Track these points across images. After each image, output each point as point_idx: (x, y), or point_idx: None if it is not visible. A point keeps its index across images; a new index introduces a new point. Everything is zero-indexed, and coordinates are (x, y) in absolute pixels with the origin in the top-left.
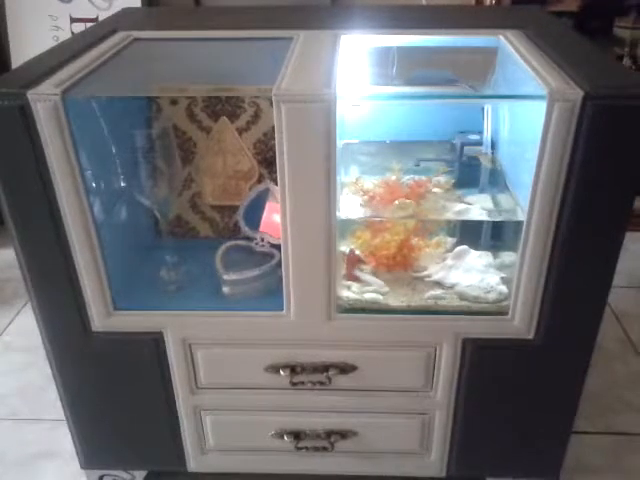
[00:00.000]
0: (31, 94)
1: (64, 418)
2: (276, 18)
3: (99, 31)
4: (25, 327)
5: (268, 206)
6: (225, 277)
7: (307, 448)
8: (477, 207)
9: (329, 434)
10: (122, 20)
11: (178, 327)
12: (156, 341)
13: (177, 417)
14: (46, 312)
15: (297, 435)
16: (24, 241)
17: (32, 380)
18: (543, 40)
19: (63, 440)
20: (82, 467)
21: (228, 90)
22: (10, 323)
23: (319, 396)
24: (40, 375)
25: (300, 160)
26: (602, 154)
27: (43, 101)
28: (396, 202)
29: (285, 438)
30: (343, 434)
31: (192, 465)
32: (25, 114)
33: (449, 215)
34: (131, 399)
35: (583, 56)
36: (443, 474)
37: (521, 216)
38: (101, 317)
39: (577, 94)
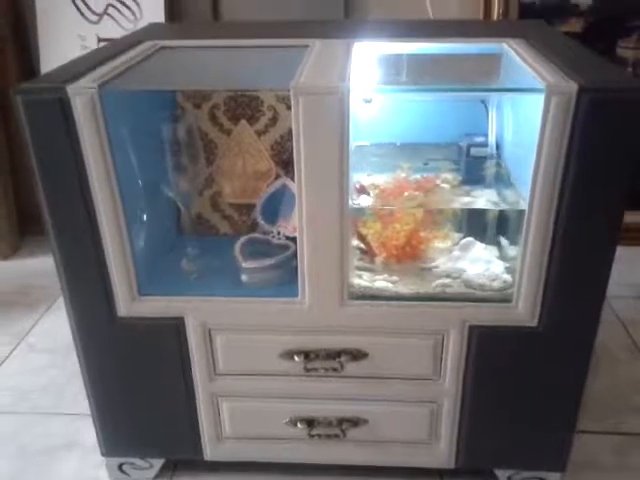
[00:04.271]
0: (70, 88)
1: (85, 412)
2: (292, 30)
3: (127, 41)
4: (48, 329)
5: None
6: (244, 265)
7: (320, 435)
8: (483, 200)
9: (341, 421)
10: (148, 32)
11: (198, 312)
12: (177, 326)
13: (195, 404)
14: (76, 298)
15: (310, 422)
16: (57, 228)
17: (54, 377)
18: (544, 46)
19: (84, 433)
20: (102, 454)
21: (249, 90)
22: (34, 325)
23: (332, 383)
24: (62, 373)
25: (315, 149)
26: (597, 144)
27: (81, 94)
28: (405, 194)
29: (299, 425)
30: (354, 422)
31: (208, 453)
32: (64, 107)
33: (456, 205)
34: (152, 385)
35: (580, 58)
36: (452, 465)
37: (524, 207)
38: (126, 302)
39: (572, 87)
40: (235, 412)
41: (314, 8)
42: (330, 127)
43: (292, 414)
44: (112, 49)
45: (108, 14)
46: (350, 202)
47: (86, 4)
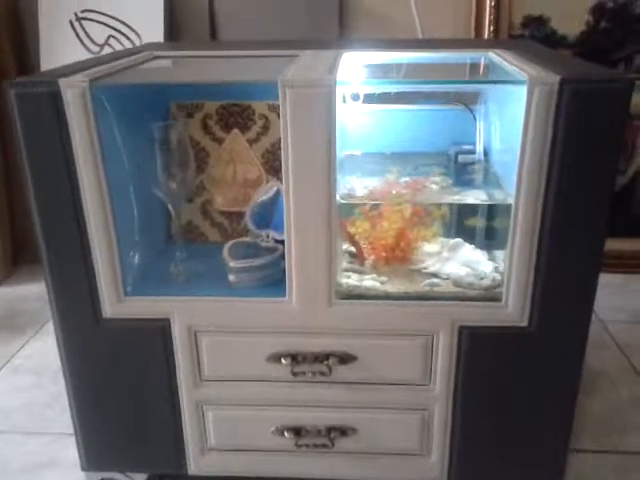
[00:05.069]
0: (62, 81)
1: (67, 432)
2: (284, 44)
3: (124, 52)
4: (34, 352)
5: None
6: (231, 264)
7: (307, 445)
8: (471, 198)
9: (329, 430)
10: (146, 46)
11: (185, 313)
12: (163, 329)
13: (180, 413)
14: (60, 297)
15: (298, 431)
16: (44, 224)
17: (38, 398)
18: (529, 54)
19: (65, 451)
20: (83, 469)
21: (236, 83)
22: (20, 348)
23: (319, 389)
24: (46, 394)
25: (303, 143)
26: (580, 134)
27: (72, 87)
28: (393, 192)
29: (286, 434)
30: (343, 430)
31: (192, 467)
32: (56, 101)
33: (444, 200)
34: (135, 392)
35: (563, 61)
36: None
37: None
38: (112, 303)
39: (554, 78)
40: (220, 421)
41: (309, 30)
42: (317, 121)
43: (279, 422)
44: (108, 56)
45: (109, 45)
46: (338, 198)
47: (88, 35)
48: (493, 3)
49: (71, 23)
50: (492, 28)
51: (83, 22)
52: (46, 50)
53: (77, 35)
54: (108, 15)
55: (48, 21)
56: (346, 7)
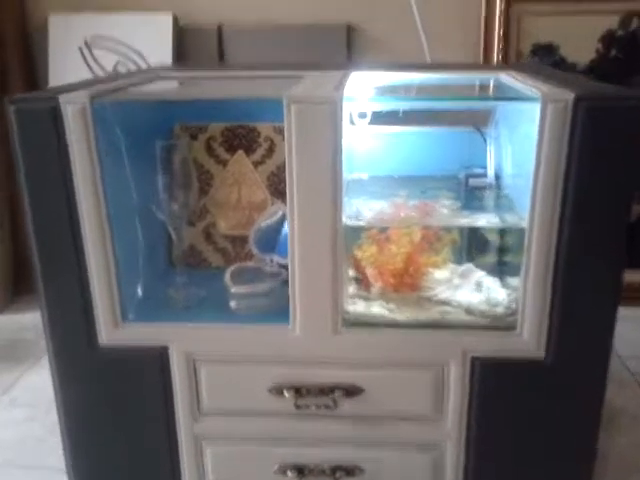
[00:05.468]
0: (62, 97)
1: (60, 466)
2: (291, 66)
3: (128, 73)
4: (31, 384)
5: None
6: (233, 290)
7: None
8: (483, 221)
9: (334, 470)
10: (150, 70)
11: (183, 340)
12: (161, 357)
13: (177, 449)
14: (55, 321)
15: (301, 470)
16: (40, 244)
17: (33, 431)
18: (540, 74)
19: None
20: None
21: (241, 99)
22: (17, 380)
23: (324, 424)
24: (41, 427)
25: (308, 162)
26: (597, 153)
27: (73, 104)
28: (402, 214)
29: (288, 474)
30: (349, 470)
31: None
32: (56, 117)
33: (454, 222)
34: (131, 425)
35: (577, 79)
36: None
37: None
38: (108, 329)
39: (569, 95)
40: (220, 458)
41: (319, 55)
42: (323, 139)
43: (281, 461)
44: (112, 76)
45: (117, 70)
46: (344, 220)
47: (96, 61)
48: (501, 32)
49: (80, 50)
50: (500, 57)
51: (92, 48)
52: (55, 76)
53: (85, 61)
54: (117, 41)
55: (58, 47)
56: (354, 37)
